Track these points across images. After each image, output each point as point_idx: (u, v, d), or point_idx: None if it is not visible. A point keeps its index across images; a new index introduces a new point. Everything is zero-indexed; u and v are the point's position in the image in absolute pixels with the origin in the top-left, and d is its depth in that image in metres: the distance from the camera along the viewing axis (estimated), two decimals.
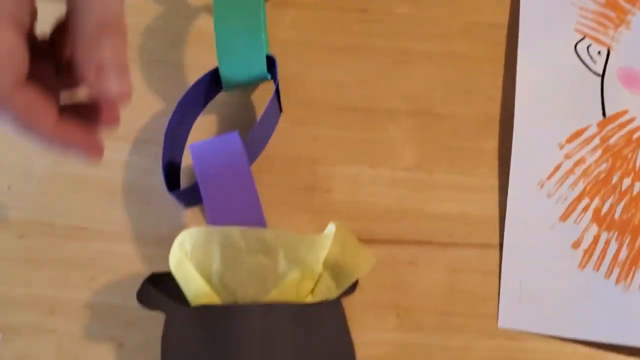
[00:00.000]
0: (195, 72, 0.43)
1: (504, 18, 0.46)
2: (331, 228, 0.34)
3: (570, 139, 0.42)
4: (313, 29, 0.45)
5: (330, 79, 0.44)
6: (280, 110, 0.42)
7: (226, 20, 0.38)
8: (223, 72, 0.39)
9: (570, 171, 0.42)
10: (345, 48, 0.45)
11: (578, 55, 0.45)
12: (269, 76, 0.40)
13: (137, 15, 0.45)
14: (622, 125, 0.43)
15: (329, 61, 0.44)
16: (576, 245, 0.40)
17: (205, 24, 0.45)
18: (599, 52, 0.45)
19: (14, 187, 0.41)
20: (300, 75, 0.44)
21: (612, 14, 0.46)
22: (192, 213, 0.40)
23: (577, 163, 0.42)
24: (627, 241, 0.40)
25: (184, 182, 0.40)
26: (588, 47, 0.45)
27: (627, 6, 0.46)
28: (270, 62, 0.40)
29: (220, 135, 0.37)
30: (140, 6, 0.45)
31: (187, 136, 0.41)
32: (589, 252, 0.40)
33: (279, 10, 0.46)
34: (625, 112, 0.43)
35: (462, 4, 0.46)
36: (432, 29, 0.45)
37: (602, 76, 0.44)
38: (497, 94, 0.44)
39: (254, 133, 0.37)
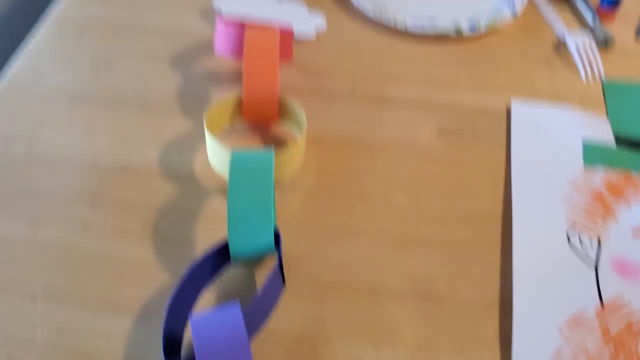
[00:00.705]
0: (201, 247, 0.45)
1: (498, 206, 0.49)
2: None
3: (570, 324, 0.43)
4: (318, 211, 0.48)
5: (334, 259, 0.45)
6: (284, 283, 0.43)
7: (239, 196, 0.41)
8: (232, 245, 0.41)
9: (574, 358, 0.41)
10: (347, 231, 0.47)
11: (570, 243, 0.47)
12: (275, 250, 0.42)
13: (152, 195, 0.48)
14: (621, 316, 0.43)
15: (334, 242, 0.46)
16: None
17: (216, 204, 0.48)
18: (590, 242, 0.47)
19: (13, 357, 0.40)
20: (305, 253, 0.46)
21: (600, 208, 0.49)
22: None
23: (579, 350, 0.42)
24: None
25: (187, 350, 0.40)
26: (580, 237, 0.47)
27: (613, 201, 0.50)
28: (276, 237, 0.42)
29: (221, 306, 0.37)
30: (156, 188, 0.49)
31: (191, 308, 0.41)
32: None
33: (286, 193, 0.49)
34: (621, 296, 0.44)
35: (458, 194, 0.50)
36: (430, 215, 0.48)
37: (596, 264, 0.46)
38: (496, 278, 0.45)
39: (255, 304, 0.38)
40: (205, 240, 0.46)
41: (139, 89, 0.57)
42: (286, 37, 0.55)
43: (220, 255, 0.42)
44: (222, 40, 0.55)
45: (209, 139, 0.48)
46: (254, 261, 0.45)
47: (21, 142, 0.52)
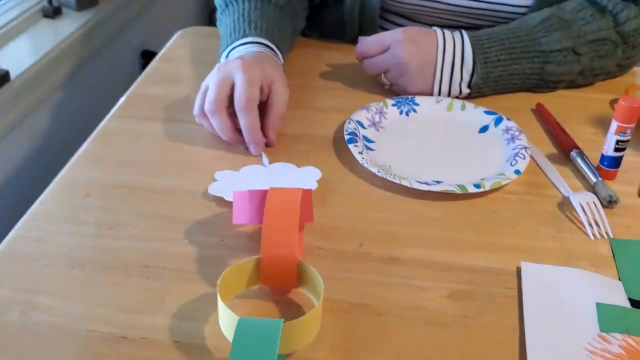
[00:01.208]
0: None
1: None
2: None
3: None
4: None
5: None
6: None
7: None
8: None
9: None
10: None
11: None
12: None
13: None
14: None
15: None
16: None
17: None
18: None
19: None
20: None
21: None
22: None
23: None
24: None
25: None
26: None
27: None
28: None
29: None
30: (155, 359, 0.46)
31: None
32: None
33: None
34: None
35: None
36: None
37: None
38: None
39: None
40: None
41: (144, 253, 0.56)
42: (306, 198, 0.55)
43: None
44: (240, 207, 0.55)
45: (220, 305, 0.46)
46: None
47: (17, 309, 0.51)
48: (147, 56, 1.63)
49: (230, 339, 0.47)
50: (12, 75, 1.14)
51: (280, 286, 0.52)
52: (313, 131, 0.74)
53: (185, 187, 0.64)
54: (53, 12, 1.36)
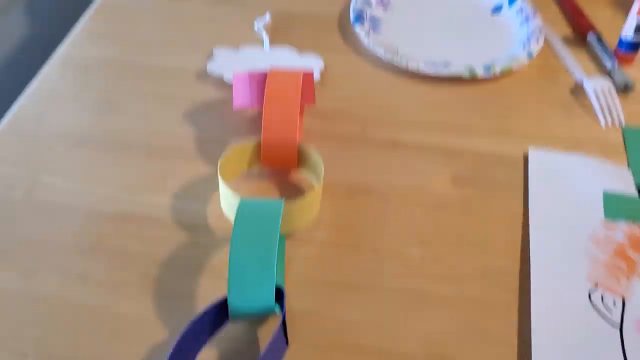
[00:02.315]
0: (204, 303, 0.43)
1: (516, 263, 0.47)
2: None
3: None
4: (328, 266, 0.46)
5: (341, 318, 0.43)
6: (287, 343, 0.41)
7: (241, 251, 0.39)
8: (232, 302, 0.38)
9: None
10: (358, 286, 0.45)
11: (593, 305, 0.44)
12: (277, 308, 0.39)
13: (155, 246, 0.46)
14: None
15: (342, 299, 0.44)
16: None
17: (225, 256, 0.46)
18: (614, 302, 0.44)
19: None
20: (312, 311, 0.43)
21: (623, 265, 0.47)
22: None
23: None
24: None
25: None
26: (602, 297, 0.45)
27: (636, 256, 0.47)
28: (279, 294, 0.40)
29: None
30: (160, 238, 0.47)
31: None
32: None
33: (296, 246, 0.47)
34: None
35: (473, 249, 0.47)
36: (444, 271, 0.46)
37: (620, 328, 0.43)
38: (513, 340, 0.42)
39: None
40: (210, 295, 0.44)
41: (145, 132, 0.55)
42: (308, 81, 0.54)
43: (220, 312, 0.40)
44: (240, 90, 0.53)
45: (221, 185, 0.46)
46: (256, 317, 0.42)
47: (20, 187, 0.50)
48: None
49: (232, 219, 0.47)
50: None
51: (280, 167, 0.51)
52: (318, 9, 0.71)
53: (185, 66, 0.62)
54: None
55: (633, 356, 0.41)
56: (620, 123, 0.59)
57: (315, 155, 0.49)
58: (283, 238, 0.46)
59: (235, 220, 0.40)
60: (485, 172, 0.53)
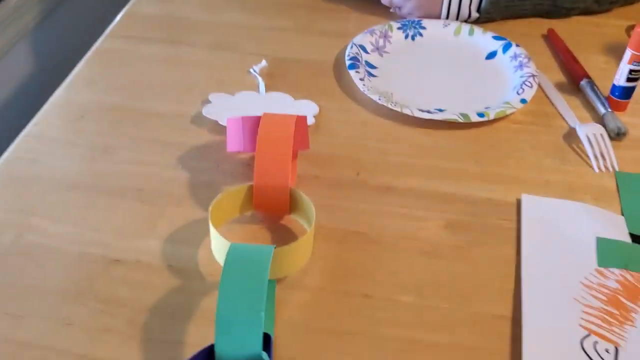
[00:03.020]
0: (193, 350, 0.43)
1: (508, 310, 0.46)
2: None
3: None
4: (318, 312, 0.45)
5: None
6: None
7: (230, 297, 0.39)
8: (218, 349, 0.38)
9: None
10: (349, 333, 0.44)
11: (586, 353, 0.43)
12: (265, 356, 0.39)
13: (144, 291, 0.46)
14: None
15: (332, 347, 0.43)
16: None
17: (211, 303, 0.45)
18: (607, 350, 0.44)
19: None
20: (301, 358, 0.42)
21: (616, 312, 0.46)
22: None
23: None
24: None
25: None
26: (595, 344, 0.44)
27: (630, 305, 0.47)
28: (267, 341, 0.39)
29: None
30: (149, 284, 0.47)
31: None
32: None
33: (287, 292, 0.47)
34: None
35: (466, 296, 0.47)
36: (436, 318, 0.45)
37: None
38: None
39: None
40: (198, 342, 0.43)
41: (138, 177, 0.56)
42: (301, 126, 0.54)
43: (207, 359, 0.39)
44: (233, 135, 0.53)
45: (212, 230, 0.46)
46: None
47: (11, 230, 0.50)
48: None
49: (222, 263, 0.47)
50: None
51: (272, 212, 0.51)
52: (314, 56, 0.72)
53: (180, 111, 0.63)
54: None
55: None
56: (613, 168, 0.59)
57: (307, 200, 0.49)
58: (273, 283, 0.46)
59: (224, 265, 0.40)
60: (479, 218, 0.53)
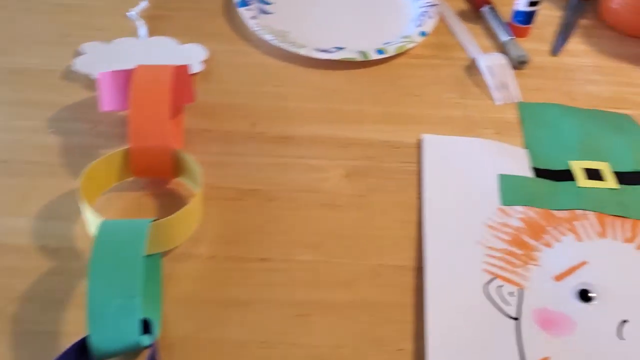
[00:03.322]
0: (71, 340, 0.39)
1: (411, 259, 0.44)
2: None
3: None
4: (211, 283, 0.42)
5: (225, 339, 0.40)
6: None
7: (100, 282, 0.35)
8: (93, 340, 0.34)
9: None
10: (244, 302, 0.41)
11: (489, 298, 0.42)
12: (147, 341, 0.35)
13: (13, 278, 0.41)
14: None
15: (227, 319, 0.40)
16: None
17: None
18: (512, 293, 0.43)
19: None
20: (193, 335, 0.40)
21: (520, 252, 0.45)
22: None
23: None
24: None
25: None
26: (499, 288, 0.43)
27: (533, 243, 0.46)
28: (149, 325, 0.36)
29: None
30: (18, 268, 0.42)
31: None
32: None
33: (175, 264, 0.43)
34: (547, 359, 0.40)
35: (366, 248, 0.45)
36: (336, 276, 0.43)
37: (518, 319, 0.41)
38: (408, 345, 0.40)
39: None
40: (78, 331, 0.39)
41: (1, 146, 0.49)
42: (183, 76, 0.49)
43: (82, 353, 0.35)
44: (106, 92, 0.48)
45: (82, 205, 0.41)
46: (126, 355, 0.38)
47: None
48: None
49: None
50: None
51: (155, 177, 0.47)
52: None
53: (49, 65, 0.56)
54: None
55: (530, 348, 0.40)
56: (516, 99, 0.57)
57: (192, 161, 0.45)
58: (158, 257, 0.42)
59: (93, 248, 0.36)
60: (380, 163, 0.51)
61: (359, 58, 0.58)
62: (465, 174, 0.50)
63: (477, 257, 0.45)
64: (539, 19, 0.66)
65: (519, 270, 0.44)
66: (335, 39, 0.61)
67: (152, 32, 0.60)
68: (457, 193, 0.48)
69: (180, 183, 0.48)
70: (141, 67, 0.46)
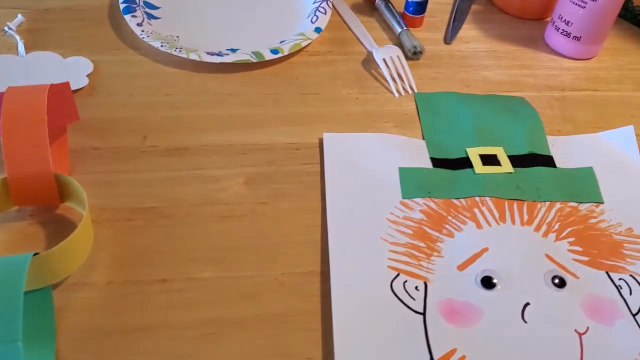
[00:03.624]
0: None
1: (316, 264, 0.44)
2: None
3: None
4: (107, 311, 0.40)
5: None
6: None
7: None
8: None
9: None
10: (146, 327, 0.39)
11: (396, 295, 0.42)
12: None
13: None
14: None
15: (128, 347, 0.38)
16: None
17: None
18: (417, 288, 0.43)
19: None
20: None
21: (422, 245, 0.45)
22: None
23: None
24: None
25: None
26: (404, 284, 0.43)
27: (435, 234, 0.46)
28: None
29: None
30: None
31: None
32: None
33: (68, 294, 0.40)
34: (453, 351, 0.40)
35: (271, 257, 0.44)
36: (240, 290, 0.42)
37: (424, 314, 0.42)
38: (317, 353, 0.39)
39: None
40: None
41: None
42: (62, 94, 0.46)
43: None
44: None
45: None
46: None
47: None
48: None
49: None
50: None
51: (40, 204, 0.44)
52: (84, 1, 0.62)
53: None
54: None
55: (436, 341, 0.40)
56: (412, 90, 0.58)
57: (75, 184, 0.42)
58: (47, 291, 0.40)
59: None
60: (281, 167, 0.50)
61: (253, 59, 0.57)
62: (367, 171, 0.50)
63: (382, 254, 0.44)
64: (432, 7, 0.67)
65: (424, 263, 0.44)
66: (229, 40, 0.60)
67: (33, 46, 0.57)
68: (359, 191, 0.48)
69: (69, 208, 0.45)
70: (11, 89, 0.43)
